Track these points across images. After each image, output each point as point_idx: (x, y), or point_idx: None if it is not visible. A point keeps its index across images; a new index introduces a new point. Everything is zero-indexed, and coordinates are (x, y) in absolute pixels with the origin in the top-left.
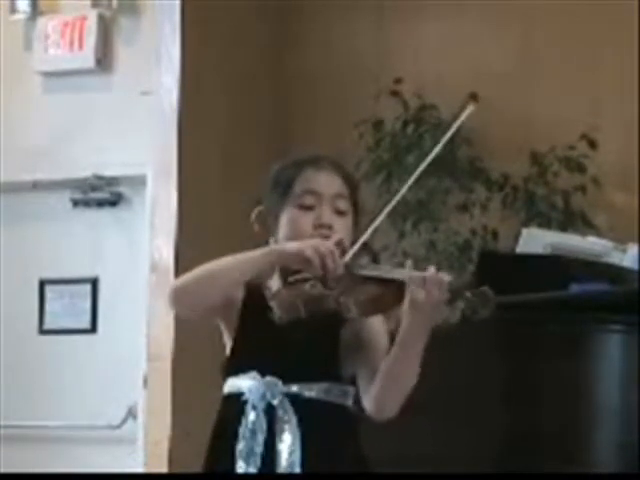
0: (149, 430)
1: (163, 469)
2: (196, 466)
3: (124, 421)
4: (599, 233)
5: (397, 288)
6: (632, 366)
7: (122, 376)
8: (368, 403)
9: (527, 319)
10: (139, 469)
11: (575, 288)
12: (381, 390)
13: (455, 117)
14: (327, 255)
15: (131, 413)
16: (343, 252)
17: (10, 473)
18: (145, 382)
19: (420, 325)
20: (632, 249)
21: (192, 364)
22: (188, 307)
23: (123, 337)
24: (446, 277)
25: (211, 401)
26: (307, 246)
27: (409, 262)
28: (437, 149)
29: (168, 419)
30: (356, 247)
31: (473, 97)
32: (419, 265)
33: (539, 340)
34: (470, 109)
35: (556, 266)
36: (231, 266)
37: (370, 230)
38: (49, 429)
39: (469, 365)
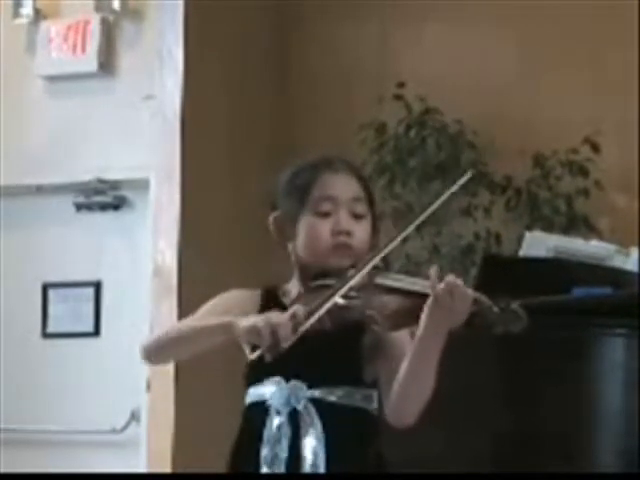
0: (152, 434)
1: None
2: (199, 469)
3: (127, 425)
4: (602, 237)
5: (419, 300)
6: (634, 370)
7: (125, 380)
8: (387, 410)
9: (529, 323)
10: None
11: (578, 292)
12: (399, 397)
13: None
14: (280, 331)
15: (134, 417)
16: (296, 326)
17: (11, 473)
18: (148, 386)
19: (438, 331)
20: (635, 252)
21: (195, 368)
22: (157, 364)
23: (126, 341)
24: (473, 293)
25: (214, 405)
26: (261, 321)
27: (434, 269)
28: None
29: (171, 423)
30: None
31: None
32: (422, 269)
33: (541, 344)
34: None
35: (559, 270)
36: (190, 338)
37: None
38: (52, 433)
39: (471, 368)
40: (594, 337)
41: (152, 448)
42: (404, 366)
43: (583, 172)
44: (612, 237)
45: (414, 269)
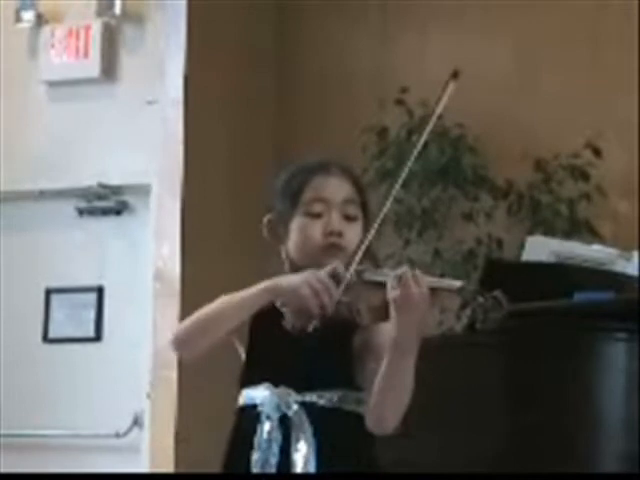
0: (154, 438)
1: None
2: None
3: (129, 430)
4: (604, 241)
5: None
6: (635, 373)
7: (127, 385)
8: (367, 415)
9: (531, 327)
10: None
11: (579, 296)
12: (376, 403)
13: (438, 98)
14: (322, 292)
15: (136, 422)
16: (338, 281)
17: (12, 473)
18: (150, 391)
19: (407, 327)
20: (636, 257)
21: (197, 373)
22: (191, 353)
23: (128, 346)
24: (455, 282)
25: (216, 410)
26: (303, 283)
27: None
28: (428, 129)
29: (173, 428)
30: (357, 258)
31: (455, 75)
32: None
33: (543, 348)
34: (452, 87)
35: (560, 274)
36: (229, 309)
37: (366, 242)
38: (54, 438)
39: (473, 373)
40: (595, 341)
41: (154, 453)
42: (381, 372)
43: (585, 177)
44: (614, 241)
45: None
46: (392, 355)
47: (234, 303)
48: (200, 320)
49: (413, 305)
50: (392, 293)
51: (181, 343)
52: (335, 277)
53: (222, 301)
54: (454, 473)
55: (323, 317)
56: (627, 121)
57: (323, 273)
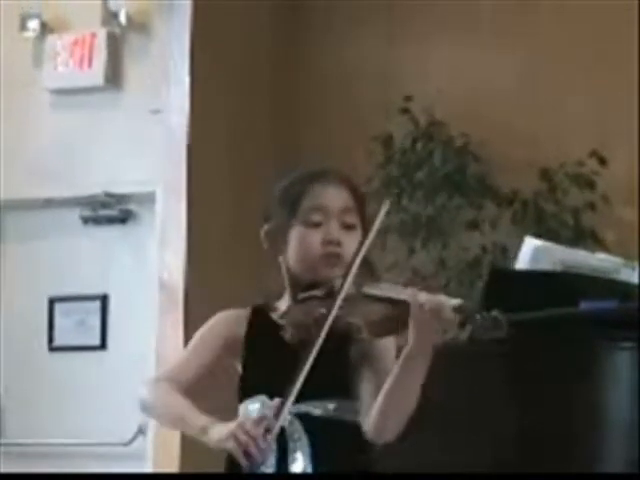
0: (159, 447)
1: None
2: None
3: (134, 438)
4: (609, 250)
5: (407, 309)
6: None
7: (132, 393)
8: (367, 425)
9: (535, 335)
10: None
11: (585, 305)
12: (381, 413)
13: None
14: (249, 444)
15: (141, 430)
16: (267, 431)
17: (13, 473)
18: None
19: (422, 348)
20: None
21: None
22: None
23: (133, 354)
24: (453, 301)
25: (221, 418)
26: (229, 436)
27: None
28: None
29: (177, 436)
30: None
31: None
32: (429, 282)
33: (548, 357)
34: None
35: (566, 283)
36: (171, 421)
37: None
38: (59, 446)
39: (477, 382)
40: (600, 350)
41: (158, 461)
42: (389, 382)
43: (590, 185)
44: (619, 250)
45: (420, 283)
46: (401, 370)
47: (177, 420)
48: (152, 411)
49: (435, 331)
50: (417, 317)
51: (145, 410)
52: (262, 424)
53: (172, 406)
54: (455, 473)
55: (254, 465)
56: (632, 130)
57: (250, 423)
